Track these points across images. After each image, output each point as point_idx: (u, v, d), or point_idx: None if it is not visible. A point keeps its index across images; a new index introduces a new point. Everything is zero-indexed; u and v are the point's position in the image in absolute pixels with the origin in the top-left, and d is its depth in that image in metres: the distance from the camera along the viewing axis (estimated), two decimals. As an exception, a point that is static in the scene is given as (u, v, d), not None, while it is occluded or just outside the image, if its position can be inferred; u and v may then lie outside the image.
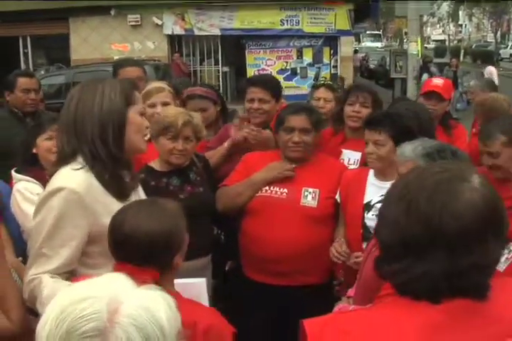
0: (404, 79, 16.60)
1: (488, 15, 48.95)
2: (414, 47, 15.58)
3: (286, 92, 6.32)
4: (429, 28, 70.98)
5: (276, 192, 3.50)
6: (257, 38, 18.64)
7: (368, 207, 3.27)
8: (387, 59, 22.11)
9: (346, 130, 4.09)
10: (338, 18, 18.28)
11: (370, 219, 3.21)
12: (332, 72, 18.77)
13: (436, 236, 1.35)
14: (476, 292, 1.37)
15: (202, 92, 4.17)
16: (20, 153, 3.57)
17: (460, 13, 58.94)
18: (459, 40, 61.20)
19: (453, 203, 1.35)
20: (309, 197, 3.47)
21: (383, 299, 1.47)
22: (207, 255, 3.48)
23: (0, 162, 3.80)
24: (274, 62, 18.76)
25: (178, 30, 18.79)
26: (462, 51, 46.74)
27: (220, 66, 19.47)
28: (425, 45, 41.21)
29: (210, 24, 18.48)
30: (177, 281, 2.19)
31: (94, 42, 18.77)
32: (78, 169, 2.35)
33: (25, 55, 19.72)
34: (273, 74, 15.69)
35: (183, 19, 18.56)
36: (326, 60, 18.89)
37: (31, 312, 2.32)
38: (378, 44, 52.64)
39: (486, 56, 44.05)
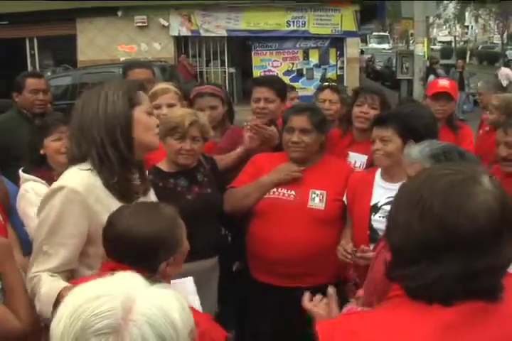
0: (410, 80, 16.56)
1: (495, 17, 48.70)
2: (420, 49, 15.55)
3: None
4: (435, 30, 70.84)
5: (283, 194, 3.51)
6: (263, 39, 18.66)
7: (375, 208, 3.27)
8: (394, 60, 22.07)
9: (354, 132, 4.10)
10: (345, 20, 18.28)
11: (377, 221, 3.21)
12: (338, 73, 18.77)
13: (452, 239, 1.35)
14: (490, 294, 1.37)
15: (211, 90, 4.17)
16: (28, 154, 3.58)
17: (466, 14, 58.83)
18: (465, 42, 61.13)
19: (468, 205, 1.35)
20: (317, 200, 3.48)
21: (392, 300, 1.48)
22: (215, 256, 3.48)
23: (9, 162, 3.80)
24: (281, 64, 18.77)
25: (185, 32, 18.81)
26: (468, 52, 46.69)
27: (226, 67, 19.49)
28: (431, 47, 41.15)
29: (217, 25, 18.50)
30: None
31: (100, 43, 18.81)
32: (85, 170, 2.39)
33: (32, 56, 19.74)
34: (279, 75, 15.69)
35: (190, 20, 18.59)
36: (332, 62, 18.89)
37: None
38: (385, 45, 52.51)
39: (492, 57, 44.01)
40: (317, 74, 18.67)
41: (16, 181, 3.50)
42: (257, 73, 17.79)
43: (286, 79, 13.77)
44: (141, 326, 1.18)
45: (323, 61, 18.83)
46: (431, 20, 38.67)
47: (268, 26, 18.34)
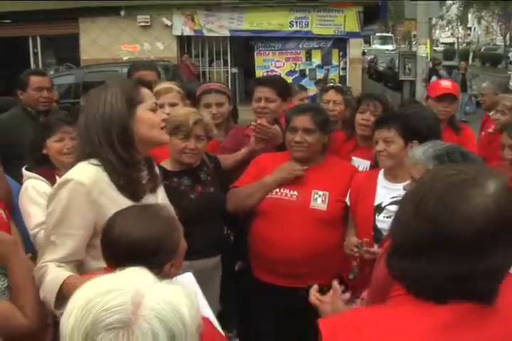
0: (413, 81, 16.55)
1: (498, 18, 48.81)
2: (423, 50, 15.53)
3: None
4: (438, 31, 70.89)
5: (286, 194, 3.52)
6: (266, 39, 18.65)
7: (379, 209, 3.28)
8: (396, 61, 22.06)
9: (357, 137, 4.11)
10: (348, 20, 18.27)
11: (382, 221, 3.22)
12: (341, 74, 18.77)
13: (445, 238, 1.35)
14: (484, 297, 1.37)
15: (219, 87, 4.21)
16: (30, 153, 3.59)
17: (469, 15, 58.84)
18: (468, 43, 61.19)
19: (462, 206, 1.35)
20: (319, 200, 3.48)
21: (395, 298, 1.49)
22: (217, 255, 3.49)
23: (13, 161, 3.81)
24: (283, 64, 18.77)
25: (188, 31, 18.81)
26: (471, 54, 46.70)
27: (228, 67, 19.50)
28: (434, 48, 41.15)
29: (220, 25, 18.51)
30: None
31: (103, 42, 18.82)
32: (94, 165, 2.44)
33: (35, 54, 19.76)
34: (282, 75, 15.69)
35: (193, 20, 18.59)
36: (334, 62, 18.88)
37: None
38: (389, 46, 52.32)
39: (494, 59, 44.00)
40: (320, 75, 18.66)
41: (20, 179, 3.52)
42: (259, 73, 17.79)
43: (289, 80, 13.78)
44: (150, 321, 1.20)
45: (326, 62, 18.82)
46: (434, 21, 38.69)
47: (271, 26, 18.34)
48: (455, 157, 2.47)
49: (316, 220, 3.44)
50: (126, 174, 2.47)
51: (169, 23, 18.68)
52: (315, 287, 2.39)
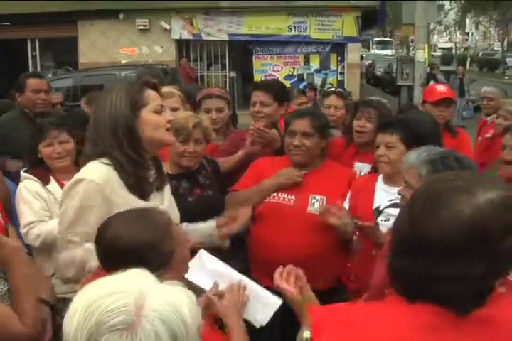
0: (410, 86, 16.57)
1: (495, 24, 48.88)
2: (421, 55, 15.54)
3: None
4: (435, 36, 70.95)
5: (284, 198, 3.53)
6: (264, 43, 18.71)
7: (377, 212, 3.29)
8: (394, 66, 22.09)
9: (356, 143, 4.14)
10: (346, 25, 18.34)
11: (380, 224, 3.22)
12: (339, 78, 18.81)
13: (418, 239, 1.38)
14: (454, 303, 1.37)
15: (220, 93, 4.26)
16: (27, 156, 3.65)
17: (467, 21, 58.93)
18: (466, 48, 61.22)
19: (441, 211, 1.36)
20: (316, 205, 3.49)
21: (388, 297, 1.51)
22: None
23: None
24: (281, 68, 18.82)
25: (186, 35, 18.85)
26: (469, 59, 46.77)
27: (227, 71, 19.54)
28: (432, 53, 41.22)
29: (218, 29, 18.55)
30: None
31: (102, 45, 18.84)
32: (105, 164, 2.51)
33: (34, 57, 19.77)
34: (280, 80, 15.71)
35: (191, 24, 18.63)
36: (333, 67, 18.94)
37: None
38: (389, 51, 52.08)
39: (492, 64, 44.09)
40: (318, 80, 18.71)
41: (19, 181, 3.54)
42: (257, 77, 17.84)
43: (287, 84, 13.78)
44: (153, 322, 1.22)
45: (324, 66, 18.88)
46: (431, 26, 38.73)
47: (269, 31, 18.40)
48: (449, 162, 2.46)
49: (312, 225, 3.43)
50: (135, 173, 2.54)
51: (168, 27, 18.71)
52: (279, 270, 2.37)
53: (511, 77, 36.40)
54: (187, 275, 2.42)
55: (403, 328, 1.38)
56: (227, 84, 19.25)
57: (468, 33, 71.19)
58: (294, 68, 18.83)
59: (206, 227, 3.05)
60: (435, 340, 1.38)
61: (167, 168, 3.43)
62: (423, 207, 1.40)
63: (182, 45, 19.24)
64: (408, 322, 1.39)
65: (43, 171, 3.51)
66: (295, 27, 18.42)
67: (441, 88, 5.17)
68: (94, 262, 2.23)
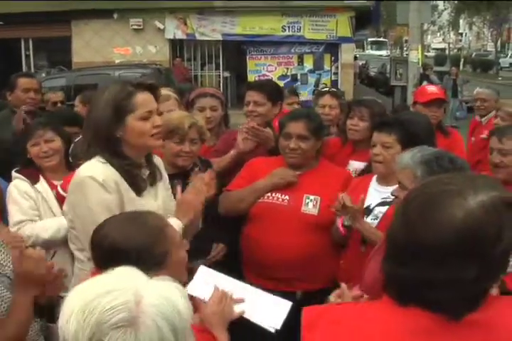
0: (404, 87, 16.61)
1: (489, 24, 49.02)
2: (414, 55, 15.57)
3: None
4: (429, 36, 71.07)
5: (278, 198, 3.53)
6: (258, 43, 18.70)
7: (368, 211, 3.29)
8: (388, 66, 22.13)
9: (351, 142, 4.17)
10: (340, 25, 18.35)
11: (369, 223, 3.23)
12: (332, 78, 18.82)
13: (413, 242, 1.37)
14: (446, 308, 1.37)
15: (214, 92, 4.31)
16: (17, 156, 3.65)
17: (461, 21, 59.04)
18: (459, 49, 61.36)
19: (434, 214, 1.35)
20: (310, 205, 3.50)
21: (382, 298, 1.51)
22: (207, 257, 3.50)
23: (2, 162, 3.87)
24: (275, 68, 18.81)
25: (180, 35, 18.84)
26: (462, 60, 46.85)
27: (220, 71, 19.54)
28: (425, 53, 41.28)
29: (212, 29, 18.53)
30: None
31: (96, 45, 18.80)
32: (102, 162, 2.57)
33: (27, 57, 19.71)
34: (273, 80, 15.71)
35: (185, 24, 18.61)
36: (326, 67, 18.94)
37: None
38: (384, 52, 51.91)
39: (486, 65, 44.20)
40: (311, 80, 18.72)
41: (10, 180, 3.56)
42: (251, 77, 17.82)
43: (281, 84, 13.79)
44: (153, 317, 1.24)
45: (318, 66, 18.88)
46: (425, 27, 38.82)
47: (263, 31, 18.39)
48: (444, 163, 2.47)
49: (306, 225, 3.45)
50: (127, 171, 2.60)
51: (162, 27, 18.69)
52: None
53: (505, 77, 36.52)
54: (188, 290, 2.43)
55: (395, 330, 1.38)
56: (221, 84, 19.25)
57: (461, 34, 71.33)
58: (287, 68, 18.83)
59: None
60: None
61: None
62: (417, 210, 1.39)
63: (176, 45, 19.22)
64: (401, 324, 1.39)
65: (32, 171, 3.51)
66: (289, 27, 18.42)
67: (432, 88, 5.20)
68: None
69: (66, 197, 2.75)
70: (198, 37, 18.74)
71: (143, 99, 2.60)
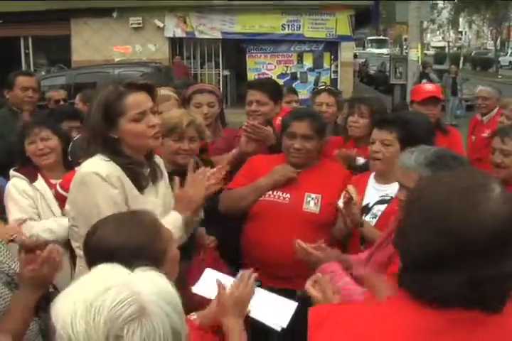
0: (403, 85, 16.62)
1: (488, 23, 48.96)
2: (414, 54, 15.58)
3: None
4: (429, 35, 71.04)
5: (279, 196, 3.53)
6: (257, 42, 18.70)
7: (366, 209, 3.29)
8: (387, 65, 22.14)
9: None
10: (339, 24, 18.36)
11: (368, 221, 3.22)
12: (332, 77, 18.83)
13: (455, 244, 1.33)
14: (490, 303, 1.36)
15: (211, 88, 4.30)
16: (15, 155, 3.65)
17: (460, 20, 59.01)
18: (459, 47, 61.32)
19: (471, 212, 1.33)
20: (312, 203, 3.49)
21: (393, 298, 1.48)
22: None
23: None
24: (275, 67, 18.81)
25: (180, 33, 18.84)
26: (462, 58, 46.82)
27: (220, 69, 19.53)
28: (425, 52, 41.26)
29: (212, 27, 18.54)
30: None
31: (95, 43, 18.80)
32: (104, 160, 2.56)
33: (27, 55, 19.72)
34: (273, 78, 15.72)
35: (185, 22, 18.61)
36: (326, 65, 18.95)
37: None
38: (384, 50, 51.63)
39: (485, 63, 44.20)
40: (311, 78, 18.73)
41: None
42: (251, 76, 17.85)
43: (280, 83, 13.80)
44: (159, 304, 1.26)
45: (317, 65, 18.89)
46: (425, 25, 38.81)
47: (263, 29, 18.40)
48: (447, 161, 2.44)
49: (308, 223, 3.44)
50: (129, 169, 2.59)
51: (161, 25, 18.70)
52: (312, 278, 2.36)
53: (504, 76, 36.54)
54: (194, 289, 2.44)
55: (406, 330, 1.37)
56: (221, 82, 19.24)
57: (461, 32, 71.37)
58: (287, 67, 18.83)
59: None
60: None
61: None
62: (447, 210, 1.35)
63: (175, 43, 19.23)
64: (412, 324, 1.37)
65: (31, 169, 3.52)
66: (288, 25, 18.43)
67: (428, 87, 5.20)
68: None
69: (68, 195, 2.72)
70: (198, 35, 18.74)
71: (133, 100, 2.56)
